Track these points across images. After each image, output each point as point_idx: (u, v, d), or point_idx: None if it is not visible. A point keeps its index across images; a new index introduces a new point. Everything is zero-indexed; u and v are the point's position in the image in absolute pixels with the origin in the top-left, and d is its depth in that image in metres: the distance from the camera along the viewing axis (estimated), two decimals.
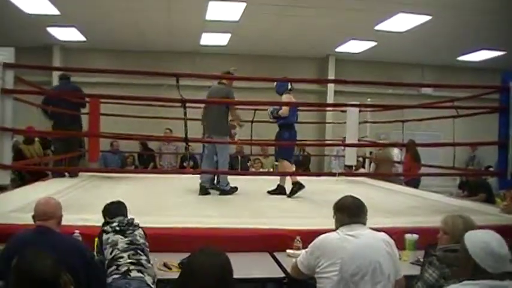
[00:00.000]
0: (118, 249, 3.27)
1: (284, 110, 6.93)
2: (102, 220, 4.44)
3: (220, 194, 6.87)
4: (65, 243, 3.14)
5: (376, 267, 2.45)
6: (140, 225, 4.17)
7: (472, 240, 2.39)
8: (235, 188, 7.00)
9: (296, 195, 6.73)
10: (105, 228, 3.44)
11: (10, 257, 2.96)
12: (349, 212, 3.31)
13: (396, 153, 10.09)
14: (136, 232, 3.45)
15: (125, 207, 3.74)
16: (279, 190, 7.08)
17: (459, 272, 2.44)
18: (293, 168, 7.64)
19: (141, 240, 3.40)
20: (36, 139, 9.83)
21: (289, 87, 7.11)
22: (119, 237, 3.34)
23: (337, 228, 3.33)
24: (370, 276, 2.42)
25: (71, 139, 8.08)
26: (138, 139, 11.42)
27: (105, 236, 3.41)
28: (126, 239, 3.36)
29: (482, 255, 2.30)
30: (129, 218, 3.58)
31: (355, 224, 3.26)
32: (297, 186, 6.75)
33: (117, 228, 3.37)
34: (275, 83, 7.35)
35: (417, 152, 9.58)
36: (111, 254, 3.28)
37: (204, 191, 6.85)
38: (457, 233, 3.16)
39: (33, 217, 3.29)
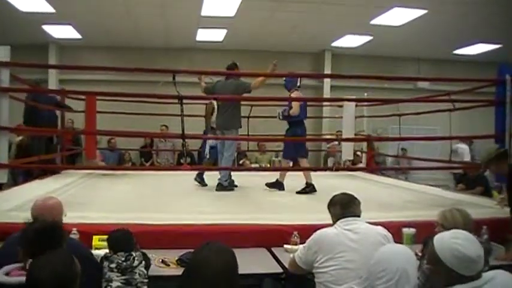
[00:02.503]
0: (111, 286, 3.20)
1: (295, 110, 6.83)
2: (100, 217, 4.47)
3: (217, 190, 6.84)
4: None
5: (403, 275, 2.43)
6: (137, 222, 4.18)
7: (444, 248, 2.30)
8: (233, 188, 6.96)
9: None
10: (104, 263, 3.28)
11: (4, 259, 2.98)
12: (341, 204, 3.37)
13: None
14: (136, 270, 3.27)
15: (131, 236, 3.46)
16: (277, 186, 7.04)
17: (438, 280, 2.37)
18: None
19: (139, 279, 3.26)
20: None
21: (298, 83, 7.08)
22: (115, 274, 3.23)
23: (334, 223, 3.35)
24: (395, 282, 2.41)
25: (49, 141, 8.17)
26: (135, 136, 11.42)
27: (104, 270, 3.28)
28: (123, 277, 3.24)
29: (457, 263, 2.24)
30: (133, 255, 3.32)
31: (350, 217, 3.29)
32: (310, 188, 6.76)
33: (115, 269, 3.24)
34: (284, 79, 7.31)
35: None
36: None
37: (220, 187, 6.86)
38: (458, 226, 3.18)
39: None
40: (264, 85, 6.99)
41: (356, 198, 3.41)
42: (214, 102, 7.32)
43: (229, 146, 6.97)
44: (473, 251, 2.26)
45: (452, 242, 2.30)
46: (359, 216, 3.34)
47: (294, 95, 7.01)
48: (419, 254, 3.60)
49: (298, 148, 7.09)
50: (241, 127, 7.16)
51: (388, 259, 2.49)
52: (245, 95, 7.08)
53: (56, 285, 2.15)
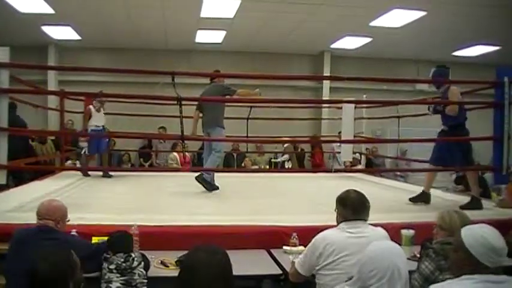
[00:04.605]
0: (111, 287, 3.24)
1: (452, 108, 5.84)
2: (99, 218, 4.48)
3: (195, 178, 6.76)
4: (61, 241, 3.19)
5: (394, 271, 2.42)
6: (137, 223, 4.18)
7: (470, 235, 2.33)
8: (217, 187, 6.84)
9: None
10: (104, 265, 3.35)
11: (13, 254, 3.22)
12: (353, 207, 3.26)
13: None
14: (135, 271, 3.32)
15: (130, 238, 3.58)
16: (423, 197, 6.19)
17: (458, 269, 2.38)
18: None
19: (139, 280, 3.30)
20: (49, 139, 9.91)
21: (449, 77, 6.21)
22: (114, 275, 3.28)
23: (338, 223, 3.29)
24: (387, 280, 2.40)
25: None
26: (134, 137, 11.42)
27: (103, 271, 3.35)
28: (122, 278, 3.28)
29: (482, 251, 2.26)
30: (132, 256, 3.38)
31: (357, 220, 3.22)
32: (475, 203, 5.78)
33: (114, 270, 3.29)
34: (432, 71, 6.30)
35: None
36: None
37: (200, 178, 6.79)
38: (455, 228, 3.18)
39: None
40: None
41: (368, 202, 3.31)
42: (92, 108, 8.14)
43: (216, 144, 6.97)
44: (499, 242, 2.30)
45: (480, 230, 2.35)
46: (366, 220, 3.28)
47: (453, 91, 5.97)
48: (418, 255, 3.60)
49: (468, 155, 6.04)
50: (223, 127, 7.05)
51: (378, 257, 2.47)
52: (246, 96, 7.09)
53: (53, 275, 2.28)
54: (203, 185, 6.73)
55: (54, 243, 3.08)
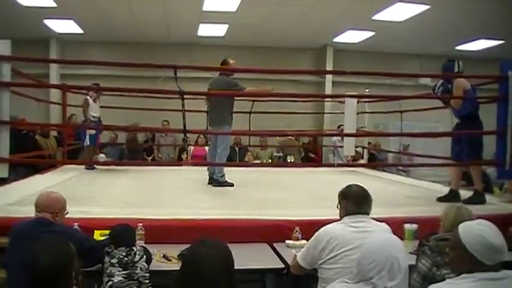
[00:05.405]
0: (113, 281, 3.25)
1: (456, 102, 5.83)
2: (101, 212, 4.48)
3: (214, 186, 6.75)
4: (60, 233, 3.19)
5: (394, 263, 2.41)
6: (139, 217, 4.17)
7: (468, 233, 2.29)
8: (231, 184, 6.75)
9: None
10: (105, 259, 3.36)
11: (12, 247, 3.24)
12: (356, 200, 3.25)
13: None
14: (137, 265, 3.33)
15: (132, 231, 3.59)
16: (452, 195, 5.93)
17: (457, 267, 2.36)
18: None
19: (141, 273, 3.31)
20: (52, 135, 9.91)
21: (457, 69, 5.99)
22: (116, 269, 3.28)
23: (341, 217, 3.27)
24: (387, 271, 2.38)
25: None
26: (136, 130, 11.42)
27: (105, 265, 3.35)
28: (124, 272, 3.28)
29: (479, 249, 2.22)
30: (134, 250, 3.39)
31: (360, 214, 3.20)
32: (477, 198, 5.72)
33: (116, 264, 3.30)
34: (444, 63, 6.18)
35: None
36: (106, 283, 3.27)
37: (217, 183, 6.75)
38: (446, 222, 3.20)
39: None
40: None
41: (370, 196, 3.30)
42: (89, 98, 8.09)
43: (221, 142, 6.83)
44: (497, 240, 2.25)
45: (477, 228, 2.29)
46: (368, 214, 3.26)
47: (457, 83, 5.81)
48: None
49: (476, 149, 5.85)
50: (230, 125, 6.86)
51: (377, 249, 2.46)
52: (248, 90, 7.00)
53: (57, 267, 2.29)
54: (224, 186, 6.66)
55: (53, 235, 3.08)
